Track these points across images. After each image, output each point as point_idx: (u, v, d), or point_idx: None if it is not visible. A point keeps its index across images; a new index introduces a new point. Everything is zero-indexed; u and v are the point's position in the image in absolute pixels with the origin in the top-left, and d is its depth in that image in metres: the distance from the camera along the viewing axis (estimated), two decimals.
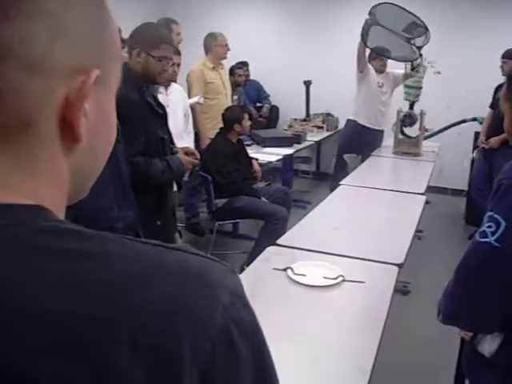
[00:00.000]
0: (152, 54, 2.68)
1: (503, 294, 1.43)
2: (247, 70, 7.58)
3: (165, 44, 2.70)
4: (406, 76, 5.30)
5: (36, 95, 0.49)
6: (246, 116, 4.82)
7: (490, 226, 1.41)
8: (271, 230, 4.25)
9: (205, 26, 6.08)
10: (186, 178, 5.56)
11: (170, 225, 2.88)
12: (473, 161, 5.76)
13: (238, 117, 4.74)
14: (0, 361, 0.43)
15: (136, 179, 2.53)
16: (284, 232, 3.22)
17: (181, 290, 0.49)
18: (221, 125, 4.89)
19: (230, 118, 4.74)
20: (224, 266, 0.54)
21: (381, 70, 5.88)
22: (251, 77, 7.69)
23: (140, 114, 2.62)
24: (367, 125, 6.02)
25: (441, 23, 7.17)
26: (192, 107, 5.17)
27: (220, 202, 4.55)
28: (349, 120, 6.25)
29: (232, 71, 6.65)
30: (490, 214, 1.42)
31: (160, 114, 2.79)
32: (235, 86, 6.63)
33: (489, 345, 1.56)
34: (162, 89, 4.35)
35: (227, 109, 4.86)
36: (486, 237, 1.41)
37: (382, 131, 6.12)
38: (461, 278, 1.50)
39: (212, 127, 5.29)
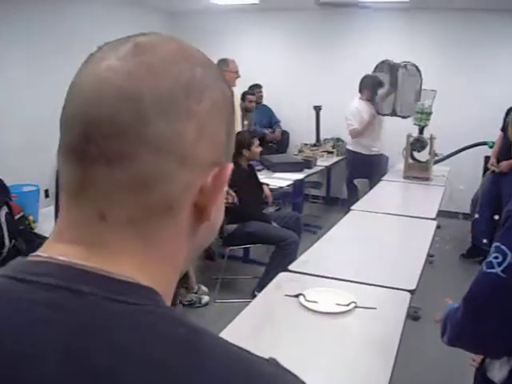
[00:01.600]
0: None
1: (508, 324, 1.43)
2: (261, 91, 7.65)
3: None
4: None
5: (181, 184, 0.57)
6: (256, 142, 4.84)
7: (496, 257, 1.42)
8: (282, 255, 4.24)
9: (215, 52, 6.14)
10: None
11: None
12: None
13: (247, 142, 4.76)
14: None
15: None
16: (295, 257, 3.22)
17: None
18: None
19: (239, 142, 4.74)
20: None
21: (367, 99, 6.06)
22: (263, 101, 7.75)
23: None
24: (363, 152, 6.15)
25: (448, 47, 7.23)
26: None
27: (231, 227, 4.55)
28: (347, 149, 6.52)
29: (244, 96, 6.72)
30: (497, 244, 1.43)
31: None
32: (245, 111, 6.69)
33: (498, 371, 1.55)
34: None
35: (237, 134, 4.88)
36: (493, 267, 1.42)
37: (381, 155, 6.22)
38: (467, 307, 1.51)
39: None
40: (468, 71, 7.19)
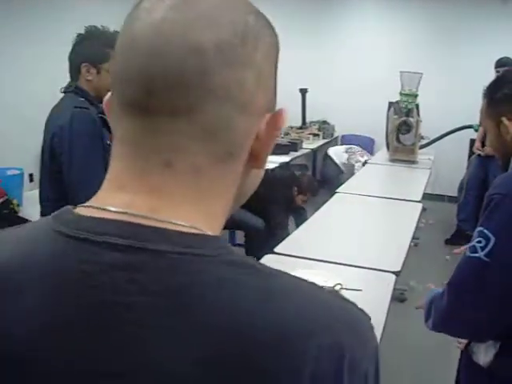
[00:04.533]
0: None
1: (492, 307, 1.45)
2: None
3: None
4: None
5: (242, 131, 0.59)
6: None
7: (479, 241, 1.44)
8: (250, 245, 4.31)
9: None
10: None
11: None
12: None
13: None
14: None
15: None
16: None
17: (346, 337, 0.56)
18: None
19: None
20: (370, 320, 0.62)
21: None
22: None
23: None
24: None
25: (434, 29, 7.24)
26: None
27: None
28: None
29: None
30: (480, 229, 1.45)
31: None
32: None
33: (484, 354, 1.57)
34: None
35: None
36: (476, 252, 1.44)
37: None
38: (452, 291, 1.53)
39: None
40: (454, 54, 7.22)
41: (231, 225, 4.57)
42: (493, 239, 1.41)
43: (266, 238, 4.40)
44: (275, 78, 0.64)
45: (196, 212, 0.57)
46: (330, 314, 0.57)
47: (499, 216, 1.43)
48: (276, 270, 0.58)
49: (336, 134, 7.94)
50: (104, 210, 0.55)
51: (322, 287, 0.60)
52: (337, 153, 7.06)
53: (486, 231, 1.44)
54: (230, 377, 0.50)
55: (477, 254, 1.43)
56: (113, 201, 0.56)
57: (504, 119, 1.59)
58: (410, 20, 7.43)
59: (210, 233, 0.57)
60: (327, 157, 7.12)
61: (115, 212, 0.55)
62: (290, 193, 4.92)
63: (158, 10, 0.55)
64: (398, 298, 4.22)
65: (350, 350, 0.55)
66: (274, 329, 0.52)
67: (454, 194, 6.39)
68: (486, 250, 1.42)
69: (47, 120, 2.45)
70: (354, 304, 0.61)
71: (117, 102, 0.58)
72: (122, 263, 0.52)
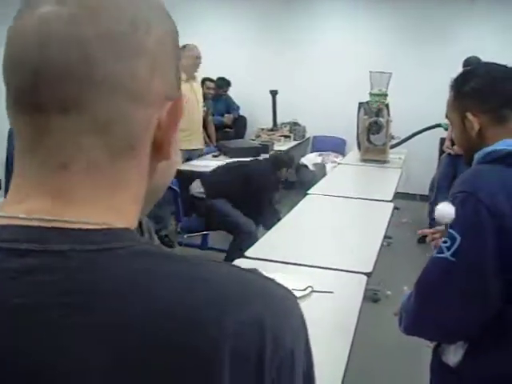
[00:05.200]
0: None
1: (460, 307, 1.43)
2: (227, 90, 7.64)
3: None
4: None
5: (139, 122, 0.57)
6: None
7: (445, 242, 1.43)
8: (237, 244, 4.28)
9: None
10: None
11: None
12: None
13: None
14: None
15: None
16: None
17: (267, 314, 0.56)
18: (193, 137, 5.17)
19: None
20: (293, 294, 0.63)
21: None
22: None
23: None
24: None
25: (397, 30, 7.30)
26: None
27: (200, 191, 4.66)
28: None
29: (203, 82, 6.71)
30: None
31: None
32: (203, 98, 6.67)
33: (453, 355, 1.56)
34: None
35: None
36: (442, 252, 1.42)
37: None
38: (420, 293, 1.51)
39: (182, 139, 5.28)
40: (423, 53, 7.30)
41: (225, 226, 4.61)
42: (459, 239, 1.39)
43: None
44: (177, 66, 0.62)
45: (103, 209, 0.56)
46: (251, 292, 0.58)
47: (464, 214, 1.41)
48: (195, 257, 0.59)
49: (307, 136, 7.96)
50: (12, 217, 0.54)
51: (246, 269, 0.61)
52: (309, 158, 7.09)
53: (451, 231, 1.42)
54: (148, 366, 0.50)
55: (443, 255, 1.42)
56: (19, 207, 0.55)
57: (469, 114, 1.57)
58: (380, 19, 7.49)
59: (122, 226, 0.56)
60: (300, 166, 7.14)
61: (22, 218, 0.54)
62: (278, 175, 5.02)
63: (45, 3, 0.54)
64: (372, 298, 4.22)
65: (271, 326, 0.55)
66: (191, 312, 0.52)
67: (426, 192, 6.44)
68: (452, 249, 1.40)
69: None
70: (279, 284, 0.61)
71: (11, 102, 0.57)
72: (29, 267, 0.51)
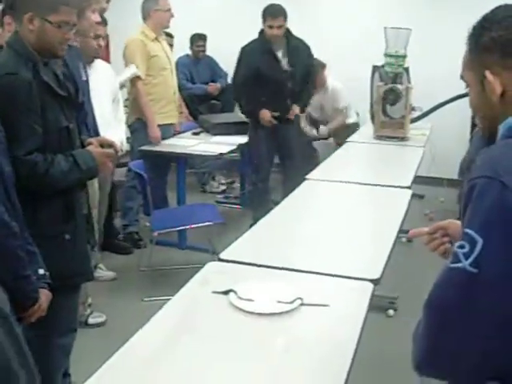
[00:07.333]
0: (49, 19, 2.50)
1: (488, 335, 1.29)
2: (204, 45, 7.79)
3: (65, 5, 2.52)
4: None
5: None
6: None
7: (462, 246, 1.27)
8: None
9: None
10: (122, 176, 5.47)
11: (81, 238, 2.71)
12: None
13: None
14: None
15: (35, 183, 2.49)
16: None
17: None
18: (168, 108, 5.21)
19: None
20: None
21: None
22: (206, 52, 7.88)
23: (34, 98, 2.45)
24: None
25: None
26: (133, 86, 5.23)
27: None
28: None
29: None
30: (465, 230, 1.30)
31: (63, 97, 2.60)
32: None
33: None
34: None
35: None
36: (459, 261, 1.27)
37: None
38: (430, 316, 1.37)
39: (157, 111, 5.23)
40: (445, 3, 7.25)
41: None
42: (480, 241, 1.25)
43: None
44: None
45: None
46: None
47: (486, 207, 1.27)
48: None
49: None
50: None
51: None
52: None
53: (469, 231, 1.28)
54: None
55: (460, 264, 1.27)
56: None
57: (488, 73, 1.44)
58: None
59: None
60: None
61: None
62: None
63: None
64: (387, 308, 4.16)
65: None
66: None
67: (455, 176, 6.34)
68: (472, 257, 1.25)
69: None
70: None
71: None
72: None
